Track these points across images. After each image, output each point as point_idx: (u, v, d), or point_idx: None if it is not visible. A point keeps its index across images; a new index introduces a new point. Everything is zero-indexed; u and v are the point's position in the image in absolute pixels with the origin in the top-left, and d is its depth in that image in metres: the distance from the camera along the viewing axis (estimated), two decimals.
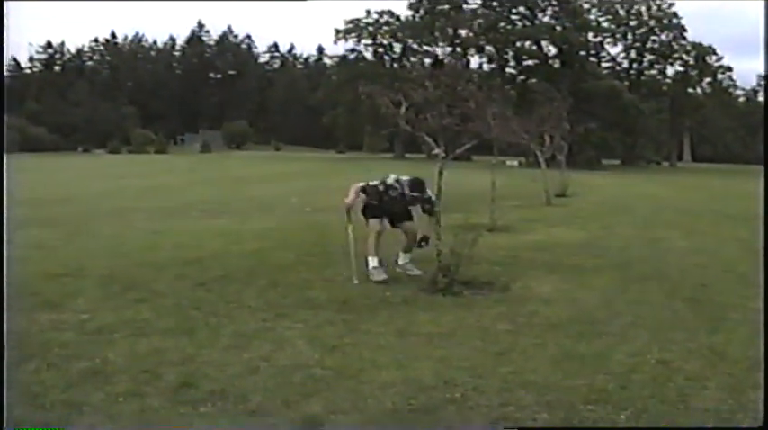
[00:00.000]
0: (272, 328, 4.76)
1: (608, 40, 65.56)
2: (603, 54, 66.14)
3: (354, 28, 67.50)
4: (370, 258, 6.49)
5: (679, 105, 64.50)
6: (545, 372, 3.93)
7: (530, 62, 63.45)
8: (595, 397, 3.57)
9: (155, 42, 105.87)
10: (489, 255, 7.38)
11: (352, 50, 68.67)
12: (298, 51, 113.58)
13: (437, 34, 65.81)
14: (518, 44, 62.85)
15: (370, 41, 68.42)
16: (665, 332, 4.80)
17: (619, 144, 59.78)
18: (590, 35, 63.82)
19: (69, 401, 3.43)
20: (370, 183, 6.75)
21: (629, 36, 65.04)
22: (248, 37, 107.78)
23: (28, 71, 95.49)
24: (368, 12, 68.05)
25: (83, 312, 5.10)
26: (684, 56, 64.72)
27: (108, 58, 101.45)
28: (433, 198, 6.58)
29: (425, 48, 68.02)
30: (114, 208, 13.81)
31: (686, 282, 6.65)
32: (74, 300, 5.48)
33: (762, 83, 69.98)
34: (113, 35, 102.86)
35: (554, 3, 61.82)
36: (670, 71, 66.84)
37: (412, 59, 68.30)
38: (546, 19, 62.77)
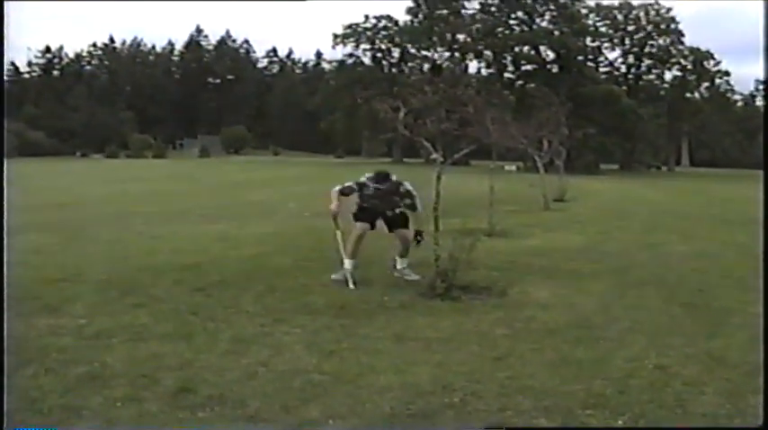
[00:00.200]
0: (271, 333, 4.77)
1: (606, 44, 65.77)
2: (601, 59, 66.30)
3: (353, 33, 67.47)
4: (346, 260, 6.52)
5: (677, 110, 64.54)
6: (543, 377, 3.94)
7: (528, 67, 63.50)
8: (593, 402, 3.58)
9: (153, 47, 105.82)
10: (487, 260, 7.39)
11: (351, 55, 68.63)
12: (296, 56, 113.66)
13: (435, 39, 65.83)
14: (516, 49, 62.87)
15: (368, 46, 68.36)
16: (662, 337, 4.82)
17: (617, 149, 59.95)
18: (588, 40, 63.97)
19: (67, 406, 3.42)
20: (346, 184, 6.82)
21: (627, 41, 65.18)
22: (246, 42, 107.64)
23: (26, 75, 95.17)
24: (366, 16, 68.03)
25: (81, 317, 5.09)
26: (682, 61, 64.88)
27: (106, 62, 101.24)
28: (413, 192, 6.62)
29: (424, 53, 67.97)
30: (112, 212, 13.79)
31: (684, 287, 6.67)
32: (72, 304, 5.47)
33: (760, 87, 70.31)
34: (112, 40, 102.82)
35: (552, 8, 62.04)
36: (668, 76, 67.12)
37: (410, 64, 68.47)
38: (544, 24, 62.96)
